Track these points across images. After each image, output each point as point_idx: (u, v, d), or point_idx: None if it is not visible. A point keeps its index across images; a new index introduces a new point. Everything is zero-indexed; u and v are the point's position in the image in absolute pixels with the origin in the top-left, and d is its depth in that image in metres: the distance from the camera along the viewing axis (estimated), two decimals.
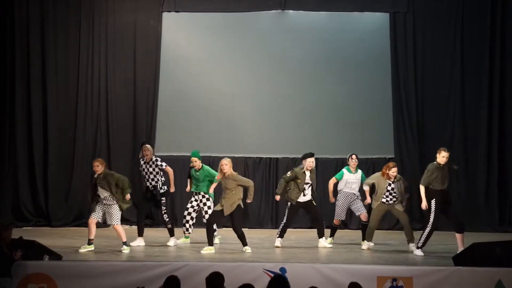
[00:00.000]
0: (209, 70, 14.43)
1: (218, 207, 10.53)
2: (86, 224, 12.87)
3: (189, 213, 11.35)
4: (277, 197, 11.34)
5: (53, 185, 14.16)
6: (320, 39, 14.46)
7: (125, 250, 10.52)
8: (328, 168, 14.01)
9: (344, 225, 14.02)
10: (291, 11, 14.52)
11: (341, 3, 14.47)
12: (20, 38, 14.16)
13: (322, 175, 13.94)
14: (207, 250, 10.45)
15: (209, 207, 11.24)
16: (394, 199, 11.03)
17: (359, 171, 11.84)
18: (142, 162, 11.52)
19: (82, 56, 14.33)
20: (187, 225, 11.40)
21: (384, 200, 11.02)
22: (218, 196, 11.04)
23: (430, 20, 14.40)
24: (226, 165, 10.43)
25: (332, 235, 11.84)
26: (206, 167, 11.38)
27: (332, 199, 11.77)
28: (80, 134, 14.27)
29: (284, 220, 11.27)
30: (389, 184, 11.01)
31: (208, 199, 11.27)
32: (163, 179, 11.48)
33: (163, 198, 11.47)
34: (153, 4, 14.44)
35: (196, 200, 11.33)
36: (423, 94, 14.39)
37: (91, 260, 9.61)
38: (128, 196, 10.60)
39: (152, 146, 14.08)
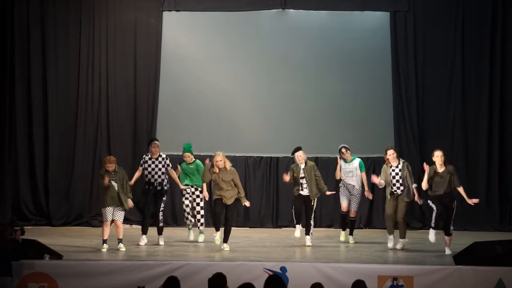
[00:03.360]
0: (210, 69, 14.43)
1: (217, 195, 10.66)
2: (86, 224, 12.89)
3: (188, 207, 11.69)
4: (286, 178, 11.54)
5: (54, 184, 14.15)
6: (320, 38, 14.45)
7: (122, 248, 10.57)
8: (329, 166, 13.95)
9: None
10: (291, 10, 14.50)
11: (341, 2, 14.46)
12: (20, 37, 14.15)
13: (323, 174, 13.91)
14: (219, 237, 10.66)
15: (201, 199, 11.60)
16: (402, 187, 10.98)
17: (356, 160, 11.91)
18: (146, 158, 11.43)
19: (82, 55, 14.32)
20: (189, 219, 11.71)
21: (393, 189, 11.00)
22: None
23: (430, 19, 14.38)
24: (221, 161, 10.62)
25: (343, 228, 11.95)
26: (198, 160, 11.70)
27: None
28: (81, 133, 14.26)
29: (294, 209, 11.53)
30: (393, 170, 11.03)
31: (201, 192, 11.57)
32: (167, 177, 11.50)
33: (165, 196, 11.55)
34: (154, 3, 14.43)
35: (188, 193, 11.64)
36: (424, 93, 14.37)
37: (91, 259, 9.60)
38: (130, 203, 10.76)
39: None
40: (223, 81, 14.41)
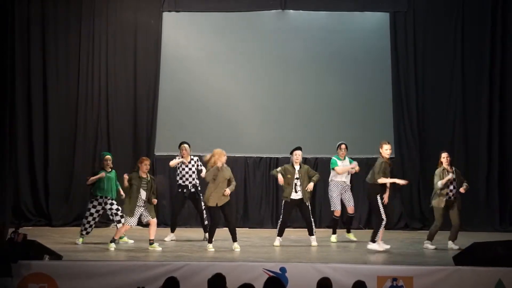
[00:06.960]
0: (210, 70, 14.43)
1: (212, 203, 10.60)
2: None
3: (94, 220, 11.29)
4: (279, 178, 11.41)
5: (54, 185, 14.14)
6: (320, 38, 14.46)
7: (157, 247, 10.69)
8: (328, 167, 13.98)
9: (344, 224, 14.02)
10: (291, 10, 14.51)
11: (341, 2, 14.46)
12: (20, 38, 14.11)
13: (322, 174, 13.91)
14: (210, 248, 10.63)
15: (117, 209, 11.20)
16: (455, 191, 10.96)
17: (347, 159, 12.06)
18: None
19: (82, 56, 14.31)
20: (89, 229, 11.26)
21: (447, 196, 10.95)
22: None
23: (430, 19, 14.39)
24: (225, 160, 10.70)
25: (334, 231, 11.94)
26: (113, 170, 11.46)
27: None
28: (81, 134, 14.25)
29: (281, 219, 11.43)
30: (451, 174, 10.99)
31: (111, 204, 11.27)
32: (198, 179, 11.75)
33: (202, 196, 11.66)
34: (154, 3, 14.43)
35: (101, 204, 11.25)
36: (424, 94, 14.38)
37: (91, 260, 9.60)
38: (155, 201, 10.86)
39: (153, 146, 14.20)
40: (223, 82, 14.41)
